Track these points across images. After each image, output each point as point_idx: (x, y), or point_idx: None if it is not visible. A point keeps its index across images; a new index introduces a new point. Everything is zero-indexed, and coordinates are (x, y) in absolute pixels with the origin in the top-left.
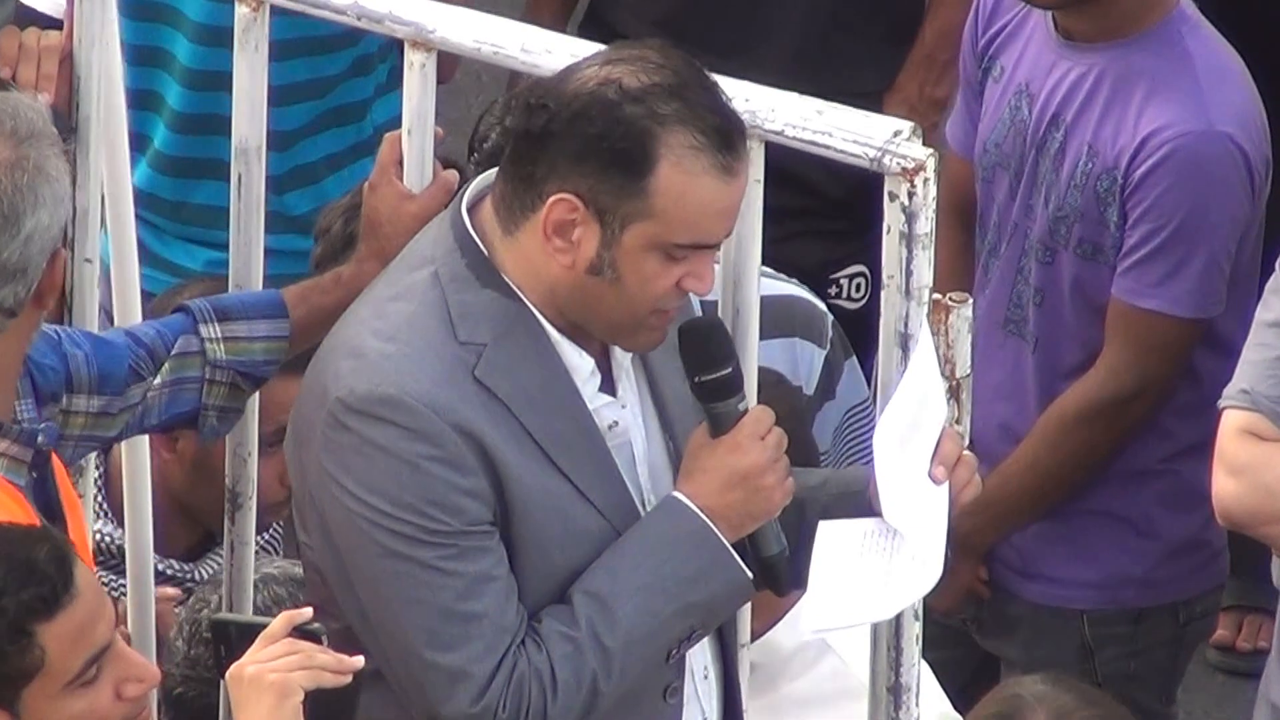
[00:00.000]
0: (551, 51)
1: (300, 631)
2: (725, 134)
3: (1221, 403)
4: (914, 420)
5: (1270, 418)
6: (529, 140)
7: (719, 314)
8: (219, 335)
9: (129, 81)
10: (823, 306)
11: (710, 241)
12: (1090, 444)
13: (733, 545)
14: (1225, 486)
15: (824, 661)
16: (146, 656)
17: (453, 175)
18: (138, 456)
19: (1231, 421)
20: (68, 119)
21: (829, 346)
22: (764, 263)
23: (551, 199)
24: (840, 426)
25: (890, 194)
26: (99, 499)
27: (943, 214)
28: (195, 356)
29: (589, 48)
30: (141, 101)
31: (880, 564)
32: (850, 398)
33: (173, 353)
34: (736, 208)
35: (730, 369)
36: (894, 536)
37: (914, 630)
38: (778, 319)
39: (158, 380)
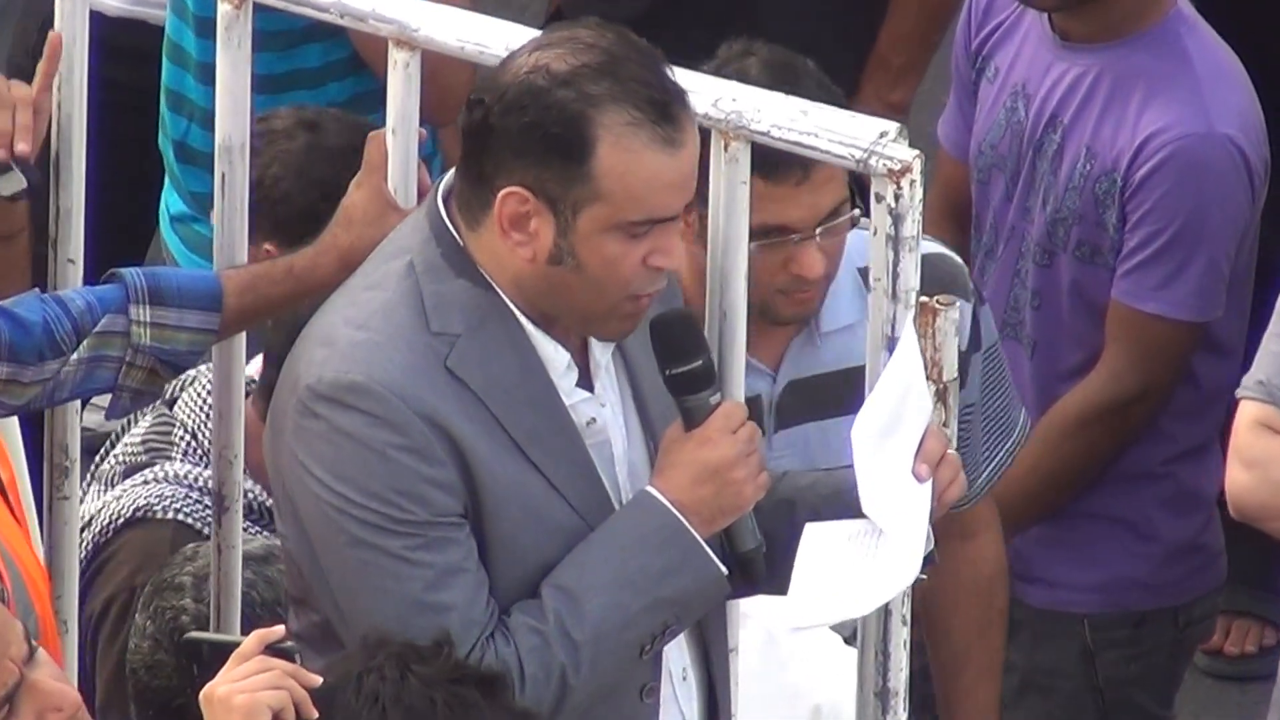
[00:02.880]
0: None
1: (273, 650)
2: (662, 105)
3: (1239, 392)
4: (895, 415)
5: None
6: (472, 137)
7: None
8: (147, 319)
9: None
10: (958, 257)
11: (666, 215)
12: (1091, 447)
13: (709, 541)
14: (1238, 479)
15: None
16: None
17: None
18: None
19: (1247, 413)
20: (41, 173)
21: (972, 297)
22: None
23: (501, 194)
24: (985, 373)
25: (877, 196)
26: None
27: (936, 215)
28: (118, 337)
29: None
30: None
31: (863, 564)
32: (986, 342)
33: (96, 330)
34: (689, 177)
35: (701, 361)
36: (879, 537)
37: (901, 635)
38: (932, 277)
39: (75, 356)
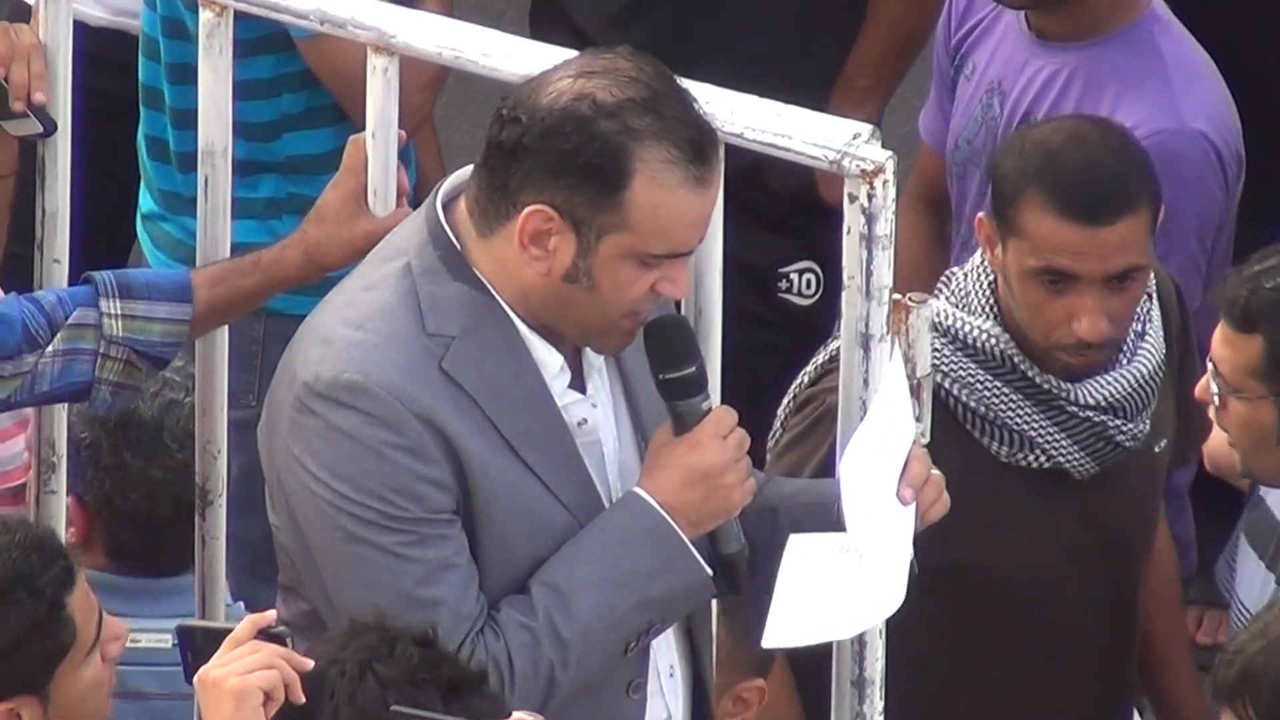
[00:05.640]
0: (512, 56)
1: (265, 635)
2: (698, 146)
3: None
4: (883, 440)
5: None
6: (502, 152)
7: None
8: (118, 311)
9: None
10: None
11: (684, 250)
12: None
13: (695, 543)
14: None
15: None
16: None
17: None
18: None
19: None
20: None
21: None
22: None
23: (527, 210)
24: None
25: (850, 196)
26: None
27: (917, 207)
28: (90, 329)
29: (550, 52)
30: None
31: (847, 582)
32: None
33: (68, 322)
34: (710, 216)
35: (694, 367)
36: (862, 553)
37: (877, 625)
38: None
39: (50, 348)
